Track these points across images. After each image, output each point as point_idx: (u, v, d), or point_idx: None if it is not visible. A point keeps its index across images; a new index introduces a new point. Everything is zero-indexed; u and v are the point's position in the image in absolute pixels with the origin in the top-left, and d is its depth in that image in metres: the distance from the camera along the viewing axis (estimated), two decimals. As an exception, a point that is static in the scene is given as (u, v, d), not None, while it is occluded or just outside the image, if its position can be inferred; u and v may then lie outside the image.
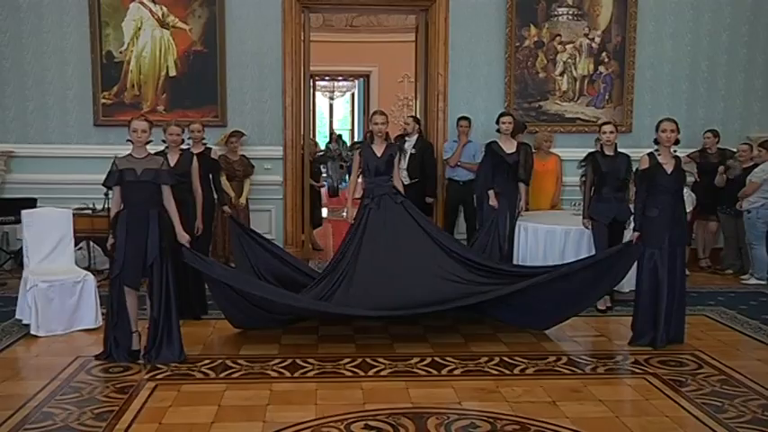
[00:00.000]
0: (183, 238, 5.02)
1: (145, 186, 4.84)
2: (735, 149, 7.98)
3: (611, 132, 6.04)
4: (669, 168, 5.28)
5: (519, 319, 5.53)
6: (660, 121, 5.35)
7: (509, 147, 6.68)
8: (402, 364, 4.84)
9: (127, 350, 4.88)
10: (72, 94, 7.81)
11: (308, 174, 8.46)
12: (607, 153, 6.10)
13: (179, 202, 5.83)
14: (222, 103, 7.86)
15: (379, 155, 5.82)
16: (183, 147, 5.93)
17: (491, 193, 6.66)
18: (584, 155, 6.32)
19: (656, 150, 5.36)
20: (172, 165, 5.82)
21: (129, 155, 4.92)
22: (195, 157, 5.90)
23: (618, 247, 5.50)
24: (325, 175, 16.89)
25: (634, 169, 5.74)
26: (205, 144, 6.52)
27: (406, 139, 7.94)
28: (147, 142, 4.94)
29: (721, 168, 7.75)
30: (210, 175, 6.25)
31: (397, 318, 5.40)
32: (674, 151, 5.37)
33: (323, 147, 18.30)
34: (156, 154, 5.86)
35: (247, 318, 5.45)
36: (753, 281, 7.38)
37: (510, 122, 6.72)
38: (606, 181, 6.06)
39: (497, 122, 6.76)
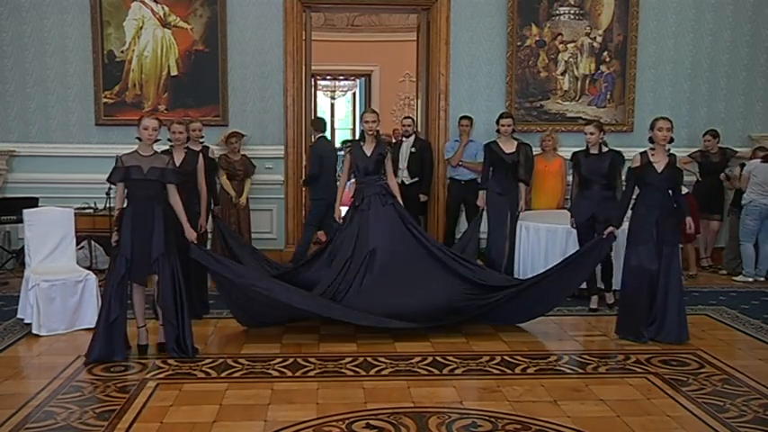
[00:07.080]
0: (191, 235, 5.08)
1: (151, 184, 4.88)
2: (736, 149, 7.97)
3: (592, 133, 6.14)
4: (660, 167, 5.37)
5: (503, 317, 5.64)
6: (655, 120, 5.45)
7: (508, 147, 6.67)
8: (403, 364, 4.85)
9: (128, 346, 4.96)
10: (73, 93, 7.82)
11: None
12: (591, 152, 6.15)
13: (184, 200, 5.85)
14: (224, 103, 7.87)
15: (368, 154, 5.83)
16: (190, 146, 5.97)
17: (481, 193, 6.71)
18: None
19: (651, 149, 5.45)
20: (178, 164, 5.83)
21: (136, 152, 4.94)
22: (201, 156, 5.93)
23: (589, 243, 5.71)
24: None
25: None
26: (203, 143, 6.52)
27: (404, 139, 7.95)
28: (156, 141, 4.97)
29: (723, 176, 7.74)
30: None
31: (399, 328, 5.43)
32: (668, 150, 5.44)
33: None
34: (162, 152, 5.89)
35: (252, 316, 5.47)
36: (740, 278, 7.38)
37: (509, 124, 6.69)
38: (589, 180, 6.12)
39: (497, 123, 6.76)
